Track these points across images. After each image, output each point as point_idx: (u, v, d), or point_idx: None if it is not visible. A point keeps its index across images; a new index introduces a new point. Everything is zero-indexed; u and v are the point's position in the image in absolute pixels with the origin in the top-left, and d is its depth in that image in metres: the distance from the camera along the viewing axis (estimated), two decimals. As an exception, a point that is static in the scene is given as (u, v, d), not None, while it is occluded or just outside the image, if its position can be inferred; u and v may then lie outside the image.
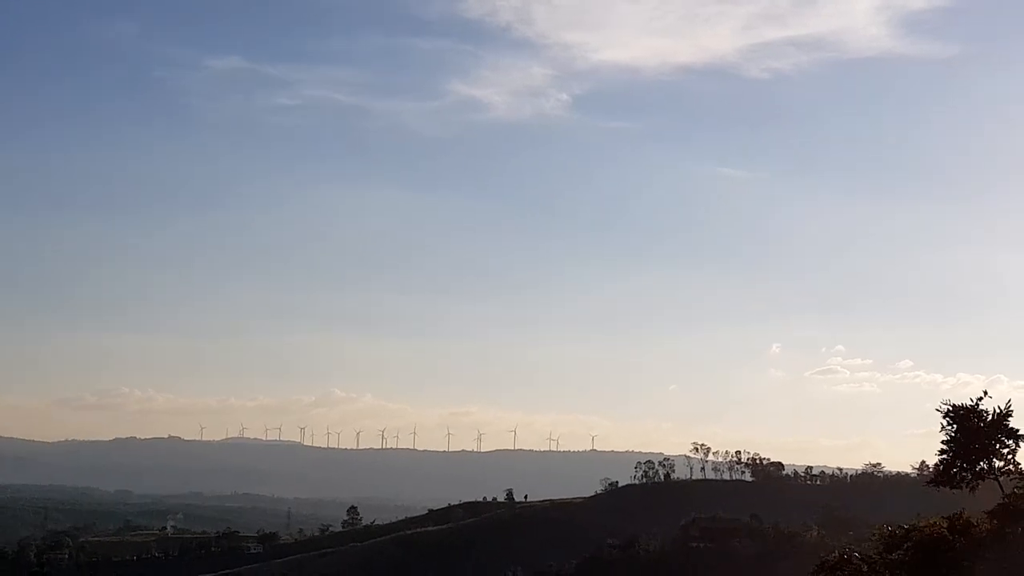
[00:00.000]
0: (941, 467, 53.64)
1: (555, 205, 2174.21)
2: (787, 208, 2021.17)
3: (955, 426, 52.79)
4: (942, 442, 53.21)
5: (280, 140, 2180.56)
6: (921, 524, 53.37)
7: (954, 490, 54.00)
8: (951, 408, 52.91)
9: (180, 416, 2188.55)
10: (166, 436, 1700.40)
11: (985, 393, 52.46)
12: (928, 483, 55.23)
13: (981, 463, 53.68)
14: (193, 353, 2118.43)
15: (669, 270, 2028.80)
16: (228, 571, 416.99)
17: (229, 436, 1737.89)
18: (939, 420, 52.15)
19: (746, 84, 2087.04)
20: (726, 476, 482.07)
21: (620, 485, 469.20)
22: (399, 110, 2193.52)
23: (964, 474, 53.83)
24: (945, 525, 52.94)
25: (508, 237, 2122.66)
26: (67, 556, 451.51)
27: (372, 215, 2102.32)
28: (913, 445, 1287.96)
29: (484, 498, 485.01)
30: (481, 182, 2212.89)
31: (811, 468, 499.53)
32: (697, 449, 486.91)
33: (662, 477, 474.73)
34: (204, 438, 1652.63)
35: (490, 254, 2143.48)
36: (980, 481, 53.60)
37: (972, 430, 52.66)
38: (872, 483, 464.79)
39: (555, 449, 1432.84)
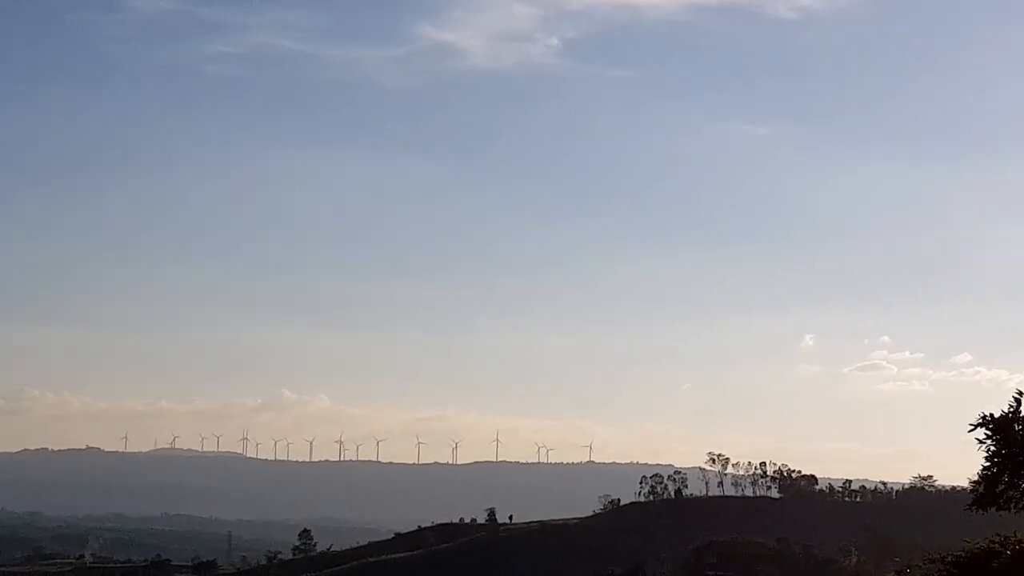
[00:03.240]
0: (982, 486, 54.94)
1: (545, 172, 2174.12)
2: (821, 173, 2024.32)
3: (997, 437, 54.04)
4: (985, 457, 54.55)
5: (219, 96, 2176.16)
6: (970, 549, 54.79)
7: (1000, 512, 55.36)
8: (986, 419, 54.14)
9: (100, 423, 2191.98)
10: (83, 447, 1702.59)
11: (1022, 394, 53.64)
12: (969, 506, 56.59)
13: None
14: (116, 349, 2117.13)
15: (681, 248, 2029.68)
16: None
17: (158, 447, 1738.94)
18: (974, 436, 53.53)
19: (770, 25, 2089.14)
20: (748, 492, 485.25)
21: (622, 503, 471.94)
22: (359, 58, 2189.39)
23: (1011, 492, 55.13)
24: (998, 545, 54.45)
25: (489, 211, 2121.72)
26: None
27: (328, 185, 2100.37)
28: (971, 455, 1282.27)
29: (461, 519, 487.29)
30: (457, 144, 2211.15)
31: (850, 482, 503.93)
32: (714, 460, 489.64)
33: (672, 493, 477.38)
34: (128, 449, 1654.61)
35: (468, 231, 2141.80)
36: (1028, 499, 54.88)
37: (1016, 440, 53.90)
38: (922, 499, 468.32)
39: (545, 461, 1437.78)
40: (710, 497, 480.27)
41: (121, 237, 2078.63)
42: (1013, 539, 54.25)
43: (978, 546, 54.94)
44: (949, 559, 54.83)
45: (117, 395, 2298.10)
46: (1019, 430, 53.14)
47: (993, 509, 54.90)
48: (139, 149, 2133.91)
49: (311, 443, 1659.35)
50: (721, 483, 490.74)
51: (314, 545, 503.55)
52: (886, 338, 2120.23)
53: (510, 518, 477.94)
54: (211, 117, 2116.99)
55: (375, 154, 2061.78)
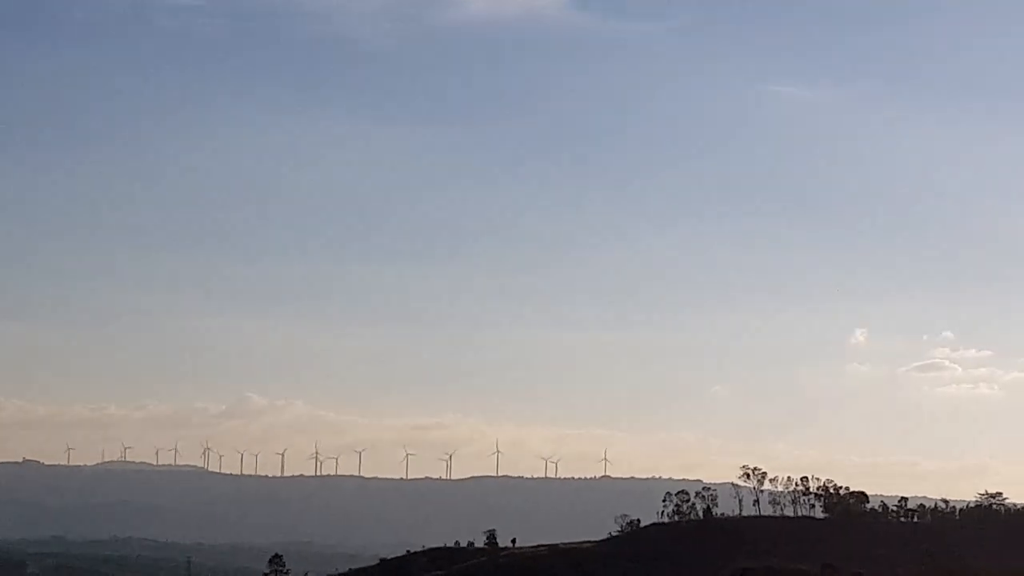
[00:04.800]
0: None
1: (554, 139, 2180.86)
2: (875, 144, 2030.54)
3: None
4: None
5: (178, 54, 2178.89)
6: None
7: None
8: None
9: (39, 432, 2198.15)
10: (20, 460, 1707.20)
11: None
12: None
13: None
14: (58, 346, 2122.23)
15: (711, 227, 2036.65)
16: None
17: (107, 459, 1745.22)
18: None
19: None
20: (788, 511, 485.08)
21: (642, 524, 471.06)
22: (334, 11, 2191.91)
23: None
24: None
25: (494, 188, 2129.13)
26: None
27: (302, 156, 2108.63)
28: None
29: (456, 543, 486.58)
30: (452, 109, 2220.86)
31: (906, 500, 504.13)
32: (749, 475, 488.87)
33: (700, 513, 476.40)
34: (73, 462, 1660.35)
35: (470, 211, 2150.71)
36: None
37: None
38: (990, 520, 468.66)
39: (554, 475, 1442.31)
40: (744, 517, 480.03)
41: (64, 218, 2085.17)
42: None
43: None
44: None
45: (59, 400, 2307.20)
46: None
47: None
48: (87, 115, 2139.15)
49: (283, 455, 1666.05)
50: (757, 501, 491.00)
51: (286, 573, 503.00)
52: (948, 333, 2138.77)
53: (513, 542, 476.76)
54: (170, 79, 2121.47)
55: (356, 121, 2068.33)
